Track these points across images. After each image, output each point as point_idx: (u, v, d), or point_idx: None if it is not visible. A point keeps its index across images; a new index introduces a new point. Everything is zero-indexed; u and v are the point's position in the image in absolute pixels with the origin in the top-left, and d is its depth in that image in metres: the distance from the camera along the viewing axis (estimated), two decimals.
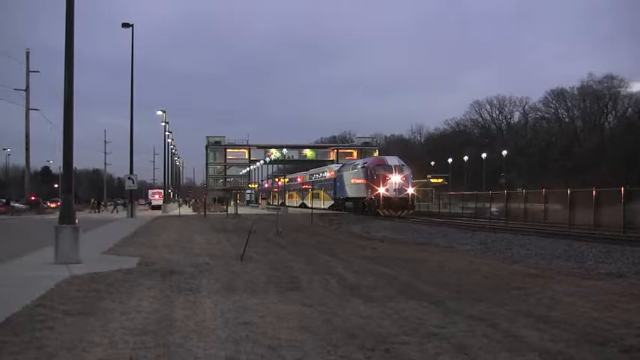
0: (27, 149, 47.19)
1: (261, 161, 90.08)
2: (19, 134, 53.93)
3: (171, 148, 67.75)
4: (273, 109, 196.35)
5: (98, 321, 5.80)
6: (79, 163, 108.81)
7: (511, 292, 8.30)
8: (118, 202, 61.77)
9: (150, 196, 66.68)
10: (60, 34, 10.96)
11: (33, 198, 48.77)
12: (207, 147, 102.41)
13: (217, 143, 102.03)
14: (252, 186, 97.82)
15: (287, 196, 66.61)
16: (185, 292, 7.81)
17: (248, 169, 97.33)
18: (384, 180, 36.70)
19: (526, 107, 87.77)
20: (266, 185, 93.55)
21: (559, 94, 79.34)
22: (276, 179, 78.40)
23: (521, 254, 15.15)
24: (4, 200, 46.58)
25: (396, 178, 36.76)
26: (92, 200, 55.67)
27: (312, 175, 61.80)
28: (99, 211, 49.06)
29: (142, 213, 45.21)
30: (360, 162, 44.25)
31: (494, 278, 9.88)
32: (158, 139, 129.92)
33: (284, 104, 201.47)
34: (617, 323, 6.15)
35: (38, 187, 70.13)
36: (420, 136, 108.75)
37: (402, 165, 38.30)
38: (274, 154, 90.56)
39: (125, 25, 35.54)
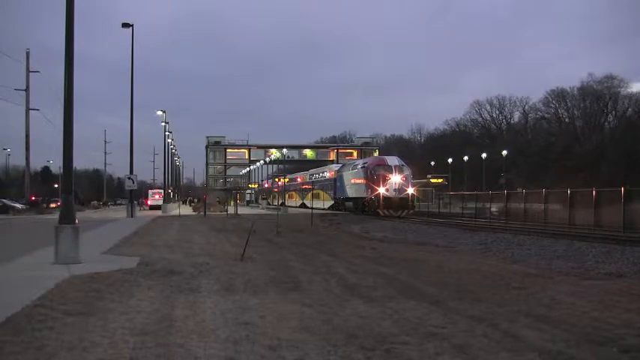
0: (27, 149, 47.24)
1: (261, 161, 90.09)
2: (19, 134, 53.91)
3: (171, 148, 67.73)
4: (273, 109, 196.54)
5: (98, 321, 5.80)
6: (79, 163, 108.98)
7: (511, 292, 8.29)
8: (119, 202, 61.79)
9: (150, 196, 66.49)
10: (60, 34, 10.93)
11: (33, 198, 48.83)
12: (207, 147, 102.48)
13: (217, 143, 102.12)
14: (253, 186, 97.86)
15: (287, 196, 66.59)
16: (185, 292, 7.81)
17: (248, 169, 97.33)
18: (384, 180, 36.71)
19: (526, 107, 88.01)
20: (266, 185, 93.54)
21: (559, 94, 79.44)
22: (276, 179, 78.37)
23: (521, 254, 15.14)
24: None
25: (396, 178, 36.77)
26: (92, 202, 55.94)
27: (312, 175, 61.79)
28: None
29: (142, 213, 45.25)
30: (360, 162, 44.26)
31: (494, 278, 9.87)
32: (158, 139, 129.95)
33: (284, 104, 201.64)
34: (617, 323, 6.14)
35: (38, 187, 70.12)
36: (420, 136, 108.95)
37: (402, 165, 38.31)
38: (274, 154, 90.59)
39: (125, 25, 35.51)
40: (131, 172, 37.56)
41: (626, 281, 10.04)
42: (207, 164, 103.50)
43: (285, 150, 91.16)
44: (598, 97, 74.66)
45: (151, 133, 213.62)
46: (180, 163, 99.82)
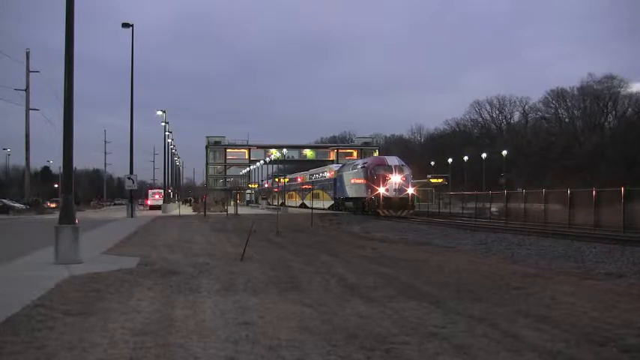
0: (27, 149, 47.23)
1: (261, 161, 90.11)
2: (19, 134, 53.94)
3: (171, 148, 67.70)
4: (273, 109, 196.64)
5: (98, 321, 5.80)
6: (79, 163, 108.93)
7: (511, 292, 8.29)
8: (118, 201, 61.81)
9: (150, 196, 66.44)
10: (60, 33, 10.93)
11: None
12: (207, 147, 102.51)
13: (217, 143, 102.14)
14: (252, 186, 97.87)
15: (287, 196, 66.59)
16: (185, 292, 7.81)
17: (248, 169, 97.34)
18: (384, 180, 36.69)
19: (526, 107, 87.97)
20: (266, 185, 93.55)
21: (559, 94, 79.39)
22: (277, 179, 78.37)
23: (521, 254, 15.14)
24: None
25: (396, 178, 36.75)
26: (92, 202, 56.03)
27: (312, 175, 61.80)
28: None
29: (142, 213, 45.25)
30: (360, 162, 44.25)
31: (494, 278, 9.87)
32: (158, 139, 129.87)
33: (284, 104, 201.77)
34: (617, 323, 6.14)
35: (38, 187, 70.12)
36: (420, 136, 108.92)
37: (402, 165, 38.29)
38: (274, 154, 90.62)
39: (125, 25, 35.49)
40: (131, 172, 37.57)
41: (626, 281, 10.05)
42: (207, 164, 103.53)
43: (285, 150, 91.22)
44: (598, 97, 74.60)
45: (151, 133, 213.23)
46: (180, 163, 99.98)
